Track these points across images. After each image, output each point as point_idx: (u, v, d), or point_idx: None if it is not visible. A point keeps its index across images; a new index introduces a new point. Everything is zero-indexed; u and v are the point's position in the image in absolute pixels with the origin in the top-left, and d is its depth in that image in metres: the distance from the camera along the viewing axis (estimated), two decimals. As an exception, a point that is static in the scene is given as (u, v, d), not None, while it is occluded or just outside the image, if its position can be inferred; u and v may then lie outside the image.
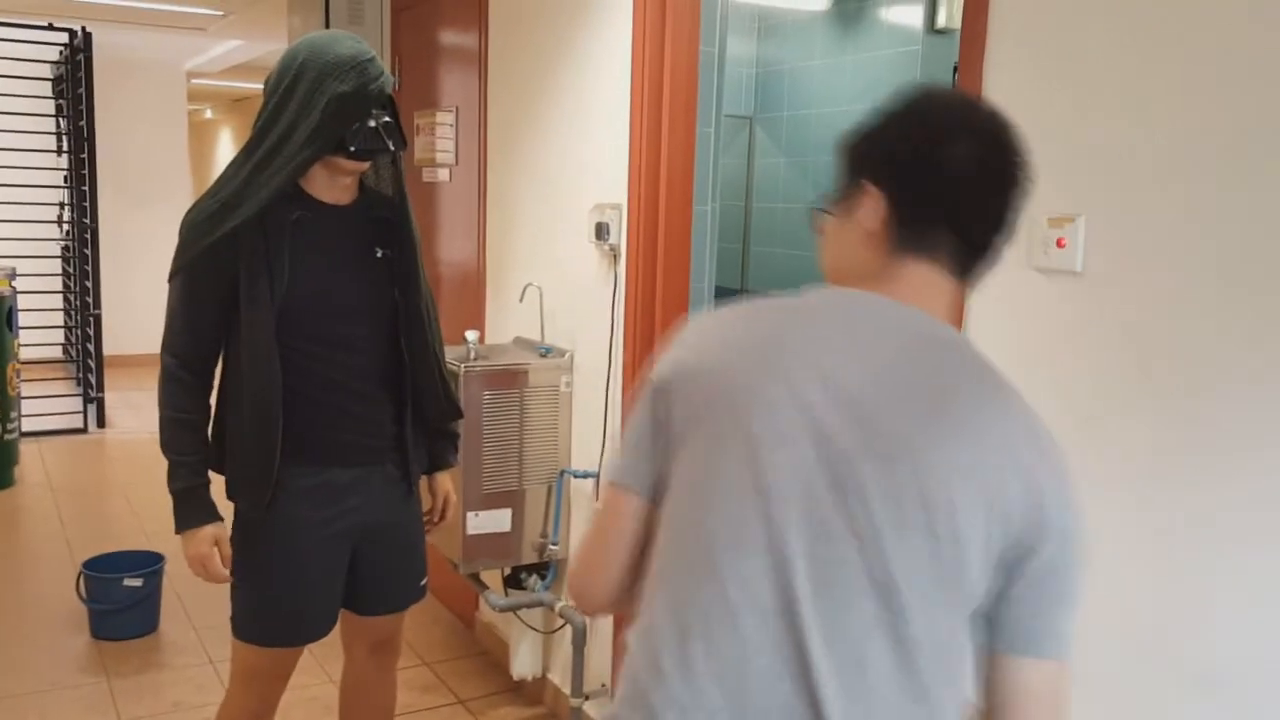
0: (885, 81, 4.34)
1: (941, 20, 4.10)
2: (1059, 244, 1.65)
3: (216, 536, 2.06)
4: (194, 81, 10.03)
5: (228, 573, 2.07)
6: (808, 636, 0.99)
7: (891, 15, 4.26)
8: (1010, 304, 1.74)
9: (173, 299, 2.04)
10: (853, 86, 4.45)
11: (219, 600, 2.15)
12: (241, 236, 1.96)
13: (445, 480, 2.39)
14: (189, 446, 2.05)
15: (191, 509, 2.05)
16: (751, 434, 1.03)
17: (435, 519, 2.39)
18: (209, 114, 15.31)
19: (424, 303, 2.20)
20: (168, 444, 2.05)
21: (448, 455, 2.36)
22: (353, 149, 1.99)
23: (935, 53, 4.16)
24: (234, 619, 2.13)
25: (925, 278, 1.12)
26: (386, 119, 2.03)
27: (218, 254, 1.96)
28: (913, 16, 4.17)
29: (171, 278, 2.03)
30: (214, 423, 2.10)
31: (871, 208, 1.12)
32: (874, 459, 1.00)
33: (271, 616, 2.11)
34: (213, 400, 2.11)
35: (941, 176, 1.09)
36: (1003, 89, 1.76)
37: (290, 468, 2.03)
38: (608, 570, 1.12)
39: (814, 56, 4.64)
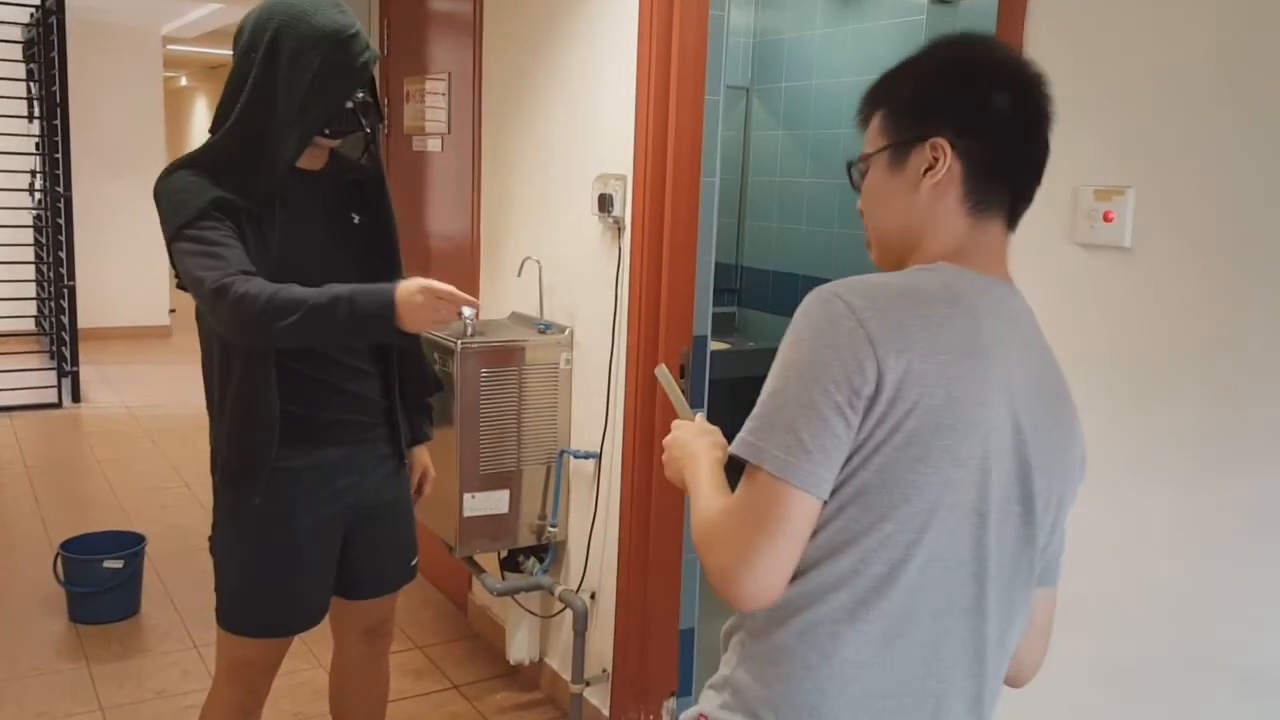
0: (887, 52, 4.21)
1: (947, -11, 3.99)
2: (1106, 218, 1.56)
3: (416, 284, 1.79)
4: (169, 48, 9.77)
5: (450, 286, 1.81)
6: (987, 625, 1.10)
7: (894, -17, 4.15)
8: (1049, 281, 1.65)
9: (189, 251, 1.81)
10: (854, 57, 4.34)
11: (203, 582, 2.04)
12: (230, 207, 1.85)
13: (424, 454, 2.33)
14: (310, 294, 1.77)
15: (374, 300, 1.78)
16: (966, 456, 1.04)
17: (415, 494, 2.32)
18: (184, 81, 14.99)
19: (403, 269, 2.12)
20: (320, 314, 1.76)
21: (425, 428, 2.29)
22: (329, 131, 1.93)
23: (940, 22, 4.05)
24: (219, 609, 2.03)
25: (998, 239, 1.12)
26: (366, 98, 1.95)
27: (221, 208, 1.85)
28: (916, -15, 4.06)
29: (179, 234, 1.83)
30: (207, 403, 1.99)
31: (942, 163, 1.08)
32: (1036, 470, 1.09)
33: (261, 606, 2.01)
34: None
35: (1009, 126, 1.09)
36: (1044, 47, 1.66)
37: (281, 449, 1.93)
38: (781, 570, 1.04)
39: (814, 26, 4.53)
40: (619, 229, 2.69)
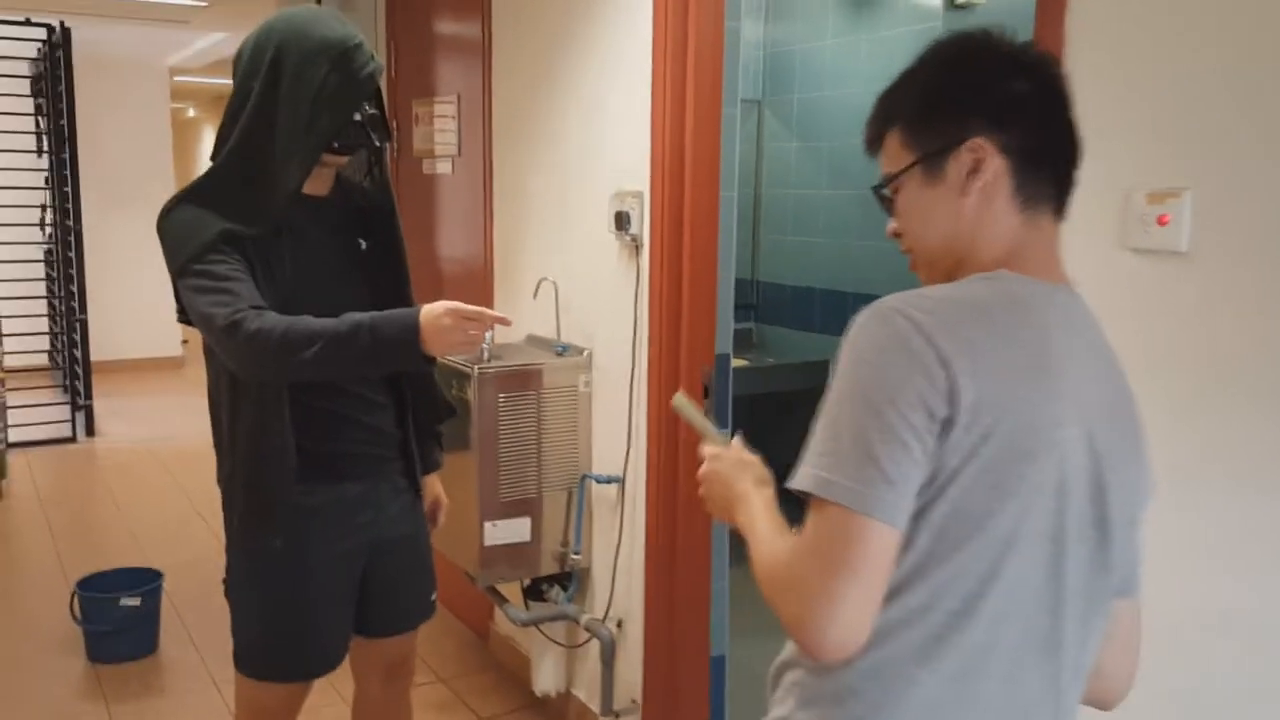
0: (902, 60, 4.14)
1: (961, -6, 3.93)
2: (1161, 221, 1.48)
3: (442, 307, 1.70)
4: (176, 79, 9.79)
5: (476, 306, 1.73)
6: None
7: (907, -9, 4.09)
8: (1100, 289, 1.55)
9: (196, 288, 1.75)
10: (868, 67, 4.27)
11: (222, 619, 1.97)
12: (237, 239, 1.79)
13: (435, 483, 2.26)
14: (328, 325, 1.70)
15: (397, 325, 1.71)
16: (1043, 482, 0.98)
17: (429, 524, 2.25)
18: (191, 112, 15.05)
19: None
20: (341, 345, 1.69)
21: (436, 455, 2.23)
22: (337, 145, 1.85)
23: (957, 27, 3.97)
24: (237, 653, 1.96)
25: (1051, 234, 1.07)
26: (373, 111, 1.88)
27: (228, 241, 1.79)
28: (930, -9, 4.00)
29: (185, 269, 1.78)
30: (214, 434, 1.92)
31: (987, 163, 1.02)
32: (1111, 491, 1.04)
33: (280, 649, 1.94)
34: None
35: (1038, 111, 1.04)
36: (1087, 46, 1.58)
37: (296, 486, 1.86)
38: (865, 612, 0.95)
39: (826, 36, 4.47)
40: (637, 247, 2.62)
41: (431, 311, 1.70)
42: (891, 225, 1.12)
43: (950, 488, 0.94)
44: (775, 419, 2.77)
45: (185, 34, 7.65)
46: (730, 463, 1.20)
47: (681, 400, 1.36)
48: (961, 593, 0.96)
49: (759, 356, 4.42)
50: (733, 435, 1.28)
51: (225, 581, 1.98)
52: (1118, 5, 1.56)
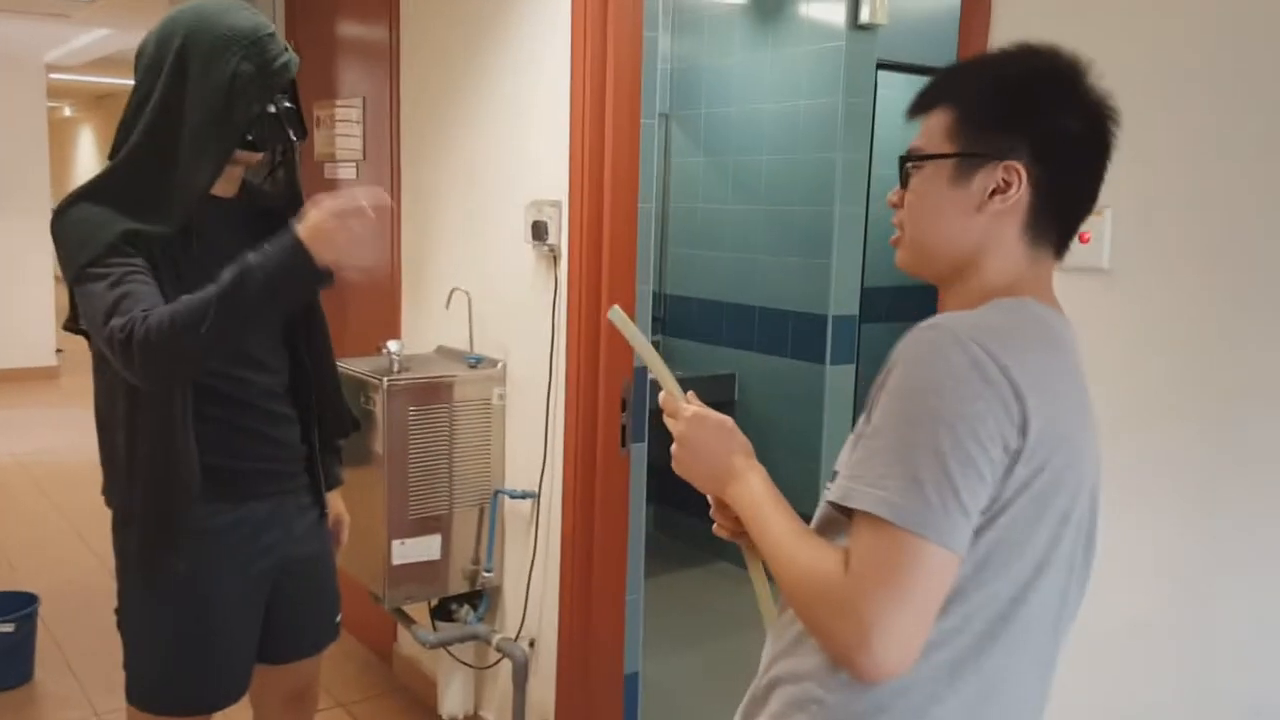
0: (807, 79, 4.23)
1: (865, 15, 4.01)
2: (1083, 239, 1.50)
3: (316, 214, 1.59)
4: (53, 76, 9.32)
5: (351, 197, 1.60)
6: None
7: (813, 10, 4.15)
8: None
9: (97, 288, 1.62)
10: (773, 83, 4.32)
11: (103, 643, 1.84)
12: (142, 239, 1.68)
13: (337, 500, 2.16)
14: (210, 289, 1.59)
15: (280, 251, 1.59)
16: (1070, 510, 1.00)
17: (334, 544, 2.16)
18: (68, 111, 14.37)
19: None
20: (234, 298, 1.57)
21: (337, 471, 2.14)
22: (251, 138, 1.74)
23: (859, 48, 4.06)
24: (131, 688, 1.83)
25: (1049, 269, 1.06)
26: (287, 104, 1.79)
27: (131, 241, 1.67)
28: (834, 12, 4.06)
29: (82, 273, 1.65)
30: (102, 451, 1.80)
31: (1015, 189, 1.01)
32: (1099, 512, 1.08)
33: (183, 682, 1.82)
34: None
35: (1082, 158, 1.03)
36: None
37: (200, 506, 1.75)
38: (921, 637, 0.93)
39: (732, 52, 4.50)
40: (554, 257, 2.58)
41: (308, 220, 1.58)
42: (895, 194, 1.10)
43: (1001, 517, 0.94)
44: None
45: (65, 29, 7.27)
46: (714, 428, 1.15)
47: (621, 316, 1.27)
48: (991, 616, 0.97)
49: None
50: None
51: (117, 611, 1.85)
52: (1039, 22, 1.59)
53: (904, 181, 1.09)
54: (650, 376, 1.22)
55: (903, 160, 1.08)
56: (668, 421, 1.19)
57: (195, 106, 1.68)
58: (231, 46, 1.68)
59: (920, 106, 1.08)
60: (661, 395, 1.21)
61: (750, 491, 1.09)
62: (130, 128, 1.73)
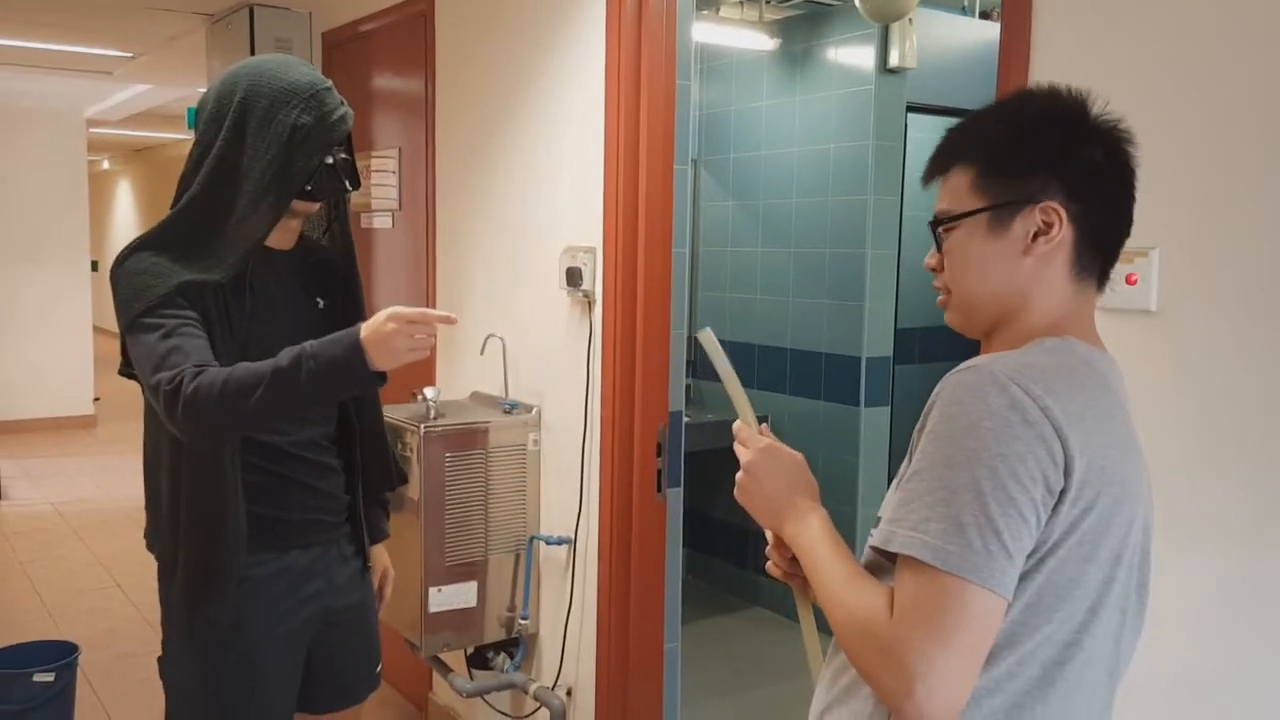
0: (836, 122, 4.26)
1: (894, 59, 4.03)
2: (1129, 280, 1.50)
3: (384, 315, 1.60)
4: (93, 130, 9.53)
5: (420, 309, 1.61)
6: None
7: (841, 55, 4.18)
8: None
9: (149, 339, 1.65)
10: (802, 127, 4.34)
11: (142, 692, 1.85)
12: (196, 289, 1.71)
13: (383, 553, 2.17)
14: (266, 364, 1.61)
15: (339, 345, 1.61)
16: (1122, 550, 1.00)
17: (377, 598, 2.16)
18: (106, 164, 14.68)
19: None
20: (286, 379, 1.60)
21: (383, 524, 2.14)
22: (309, 189, 1.77)
23: (889, 91, 4.09)
24: None
25: (1092, 305, 1.07)
26: (344, 155, 1.83)
27: (186, 294, 1.69)
28: (863, 57, 4.09)
29: (136, 323, 1.67)
30: (147, 495, 1.81)
31: (1057, 229, 1.01)
32: (1152, 555, 1.07)
33: None
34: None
35: (1114, 188, 1.04)
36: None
37: (245, 556, 1.76)
38: (970, 683, 0.92)
39: (760, 98, 4.54)
40: (589, 303, 2.59)
41: (373, 322, 1.60)
42: (932, 258, 1.10)
43: (1049, 559, 0.94)
44: (717, 475, 2.73)
45: (106, 85, 7.46)
46: (785, 462, 1.15)
47: (710, 339, 1.25)
48: (1045, 661, 0.96)
49: (699, 413, 4.41)
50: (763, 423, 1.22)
51: (161, 660, 1.85)
52: (1080, 60, 1.59)
53: (939, 244, 1.09)
54: (702, 418, 1.23)
55: (934, 224, 1.09)
56: (738, 449, 1.19)
57: (255, 158, 1.72)
58: (291, 100, 1.72)
59: (935, 170, 1.09)
60: (736, 424, 1.21)
61: (809, 531, 1.09)
62: (190, 179, 1.77)
